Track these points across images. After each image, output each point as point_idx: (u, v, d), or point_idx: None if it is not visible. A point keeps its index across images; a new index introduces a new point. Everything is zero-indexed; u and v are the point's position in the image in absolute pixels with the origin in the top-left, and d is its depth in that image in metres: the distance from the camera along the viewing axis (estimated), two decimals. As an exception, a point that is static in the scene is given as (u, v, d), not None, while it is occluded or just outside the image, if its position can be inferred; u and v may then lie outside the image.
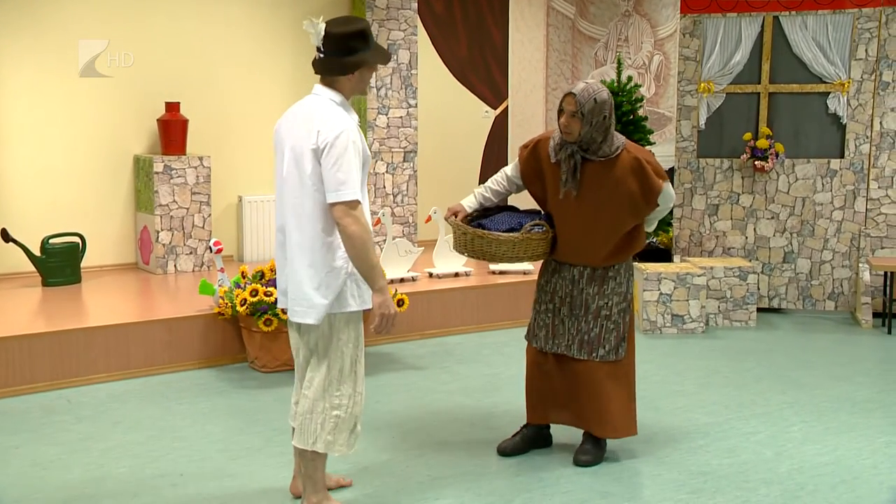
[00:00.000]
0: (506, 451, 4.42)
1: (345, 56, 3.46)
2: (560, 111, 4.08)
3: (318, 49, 3.48)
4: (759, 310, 7.46)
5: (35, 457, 4.36)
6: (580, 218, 4.15)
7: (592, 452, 4.32)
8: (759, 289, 7.48)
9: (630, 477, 4.20)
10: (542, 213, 4.34)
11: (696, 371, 5.91)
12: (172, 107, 7.40)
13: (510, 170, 4.39)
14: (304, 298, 3.50)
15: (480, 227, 4.25)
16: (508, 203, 4.59)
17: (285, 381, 5.39)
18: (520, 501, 3.92)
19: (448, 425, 4.86)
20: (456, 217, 4.32)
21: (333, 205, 3.37)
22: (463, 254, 4.33)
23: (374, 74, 7.99)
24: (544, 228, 4.22)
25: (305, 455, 3.64)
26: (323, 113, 3.44)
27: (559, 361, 4.33)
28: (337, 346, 3.53)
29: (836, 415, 5.08)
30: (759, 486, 4.10)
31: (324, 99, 3.50)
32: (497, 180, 4.40)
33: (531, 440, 4.46)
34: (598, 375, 4.24)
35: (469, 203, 4.37)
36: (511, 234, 4.18)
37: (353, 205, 3.36)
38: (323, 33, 3.45)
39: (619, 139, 4.15)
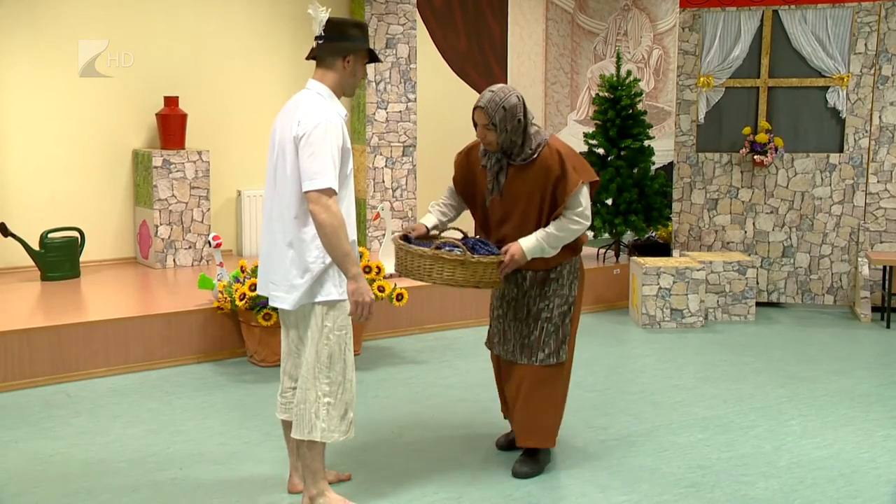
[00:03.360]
0: (504, 445, 4.42)
1: (341, 41, 3.56)
2: (474, 124, 4.03)
3: (318, 37, 3.58)
4: (758, 304, 7.46)
5: (35, 451, 4.37)
6: (512, 219, 4.03)
7: (529, 464, 4.16)
8: (758, 283, 7.48)
9: (628, 471, 4.20)
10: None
11: (694, 365, 5.92)
12: (171, 101, 7.38)
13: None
14: (283, 284, 3.58)
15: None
16: None
17: (284, 376, 5.39)
18: (519, 495, 3.93)
19: (447, 420, 4.86)
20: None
21: (307, 193, 3.42)
22: (400, 275, 4.00)
23: (362, 81, 8.02)
24: (466, 251, 3.86)
25: (302, 446, 3.66)
26: (307, 104, 3.52)
27: (507, 367, 4.25)
28: (322, 333, 3.57)
29: (835, 409, 5.09)
30: (758, 480, 4.11)
31: (312, 92, 3.59)
32: (446, 193, 4.30)
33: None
34: (533, 381, 4.12)
35: (428, 221, 4.20)
36: (447, 252, 3.84)
37: (327, 193, 3.40)
38: (325, 20, 3.56)
39: (541, 136, 4.02)
